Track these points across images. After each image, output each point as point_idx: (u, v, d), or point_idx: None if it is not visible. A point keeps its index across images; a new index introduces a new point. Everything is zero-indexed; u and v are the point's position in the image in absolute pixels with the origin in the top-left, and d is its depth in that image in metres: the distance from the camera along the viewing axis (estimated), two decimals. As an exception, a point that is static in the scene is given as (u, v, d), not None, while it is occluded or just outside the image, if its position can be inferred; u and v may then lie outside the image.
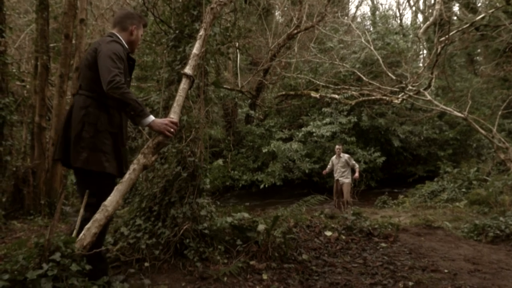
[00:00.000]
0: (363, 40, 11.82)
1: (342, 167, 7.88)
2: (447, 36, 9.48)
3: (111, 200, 1.83)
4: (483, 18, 9.41)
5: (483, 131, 8.31)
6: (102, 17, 11.84)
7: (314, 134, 12.29)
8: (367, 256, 3.15)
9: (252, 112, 13.76)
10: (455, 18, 17.83)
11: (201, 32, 2.74)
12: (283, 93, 14.45)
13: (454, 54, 18.89)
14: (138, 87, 10.05)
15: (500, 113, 12.35)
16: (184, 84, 2.41)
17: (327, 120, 12.47)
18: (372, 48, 11.04)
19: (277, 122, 13.63)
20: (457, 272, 2.78)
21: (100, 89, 2.16)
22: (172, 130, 2.16)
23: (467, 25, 9.32)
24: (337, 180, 7.94)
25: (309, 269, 2.87)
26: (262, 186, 11.86)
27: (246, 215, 3.57)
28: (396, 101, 11.22)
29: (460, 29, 9.48)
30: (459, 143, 13.96)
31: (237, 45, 10.66)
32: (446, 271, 2.80)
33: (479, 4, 16.67)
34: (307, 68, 14.58)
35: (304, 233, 3.81)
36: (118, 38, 2.42)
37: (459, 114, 9.13)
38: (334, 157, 8.09)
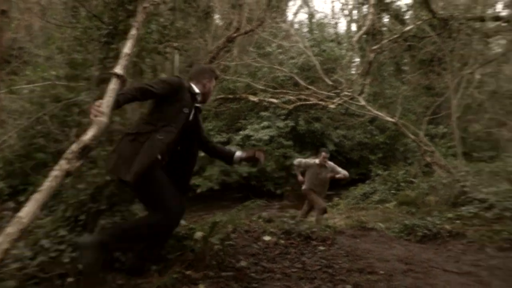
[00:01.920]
0: (301, 45, 12.07)
1: (324, 179, 6.68)
2: (378, 45, 9.98)
3: (27, 211, 1.62)
4: (410, 29, 9.99)
5: (411, 136, 8.81)
6: (29, 12, 10.98)
7: (252, 137, 12.32)
8: (305, 260, 3.14)
9: (190, 115, 13.51)
10: (385, 28, 18.84)
11: (133, 31, 2.57)
12: (222, 96, 14.35)
13: (384, 63, 19.95)
14: (68, 87, 9.41)
15: (425, 119, 13.20)
16: (113, 84, 2.23)
17: (265, 124, 12.56)
18: (310, 53, 11.30)
19: (216, 126, 13.50)
20: (392, 273, 2.85)
21: None
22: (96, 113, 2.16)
23: (396, 35, 9.85)
24: (313, 190, 6.65)
25: (248, 276, 2.79)
26: (199, 190, 11.65)
27: (182, 222, 3.42)
28: (331, 106, 11.58)
29: (390, 39, 9.99)
30: (388, 147, 14.71)
31: (175, 45, 10.38)
32: (382, 272, 2.86)
33: (407, 16, 17.77)
34: (246, 72, 14.63)
35: (242, 239, 3.72)
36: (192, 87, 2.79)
37: (390, 119, 9.60)
38: (313, 164, 6.67)
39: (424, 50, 16.05)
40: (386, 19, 19.41)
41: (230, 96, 14.25)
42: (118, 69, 2.32)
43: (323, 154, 6.68)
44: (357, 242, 3.77)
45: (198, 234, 3.11)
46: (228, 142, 12.80)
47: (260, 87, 13.18)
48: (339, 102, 11.06)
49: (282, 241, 3.56)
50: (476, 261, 3.45)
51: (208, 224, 3.48)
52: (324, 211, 6.63)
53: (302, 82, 12.13)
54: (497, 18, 8.22)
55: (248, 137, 12.41)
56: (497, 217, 4.50)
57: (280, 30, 16.10)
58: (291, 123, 12.96)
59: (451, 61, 14.94)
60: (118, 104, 2.26)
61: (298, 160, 7.24)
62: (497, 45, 15.41)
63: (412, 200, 7.45)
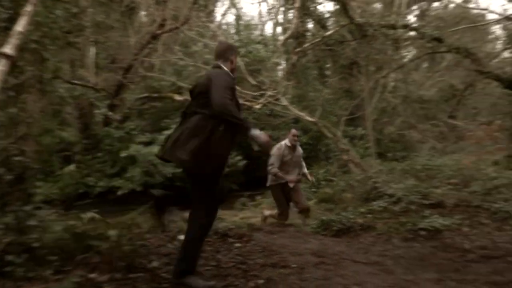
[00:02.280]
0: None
1: (296, 163, 5.76)
2: (301, 49, 10.28)
3: None
4: (331, 34, 10.43)
5: (329, 135, 9.18)
6: None
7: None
8: (220, 258, 3.09)
9: (110, 113, 12.86)
10: (310, 33, 19.48)
11: (29, 8, 2.34)
12: (146, 95, 13.88)
13: (308, 66, 20.65)
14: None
15: (343, 120, 13.85)
16: (1, 66, 2.00)
17: (191, 124, 12.30)
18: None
19: (139, 125, 12.99)
20: (304, 266, 2.90)
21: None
22: None
23: (318, 39, 10.22)
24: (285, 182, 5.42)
25: (159, 276, 2.67)
26: (119, 192, 11.13)
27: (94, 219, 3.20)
28: (257, 106, 11.70)
29: (312, 42, 10.34)
30: (312, 147, 15.21)
31: (91, 38, 9.83)
32: (294, 266, 2.90)
33: (330, 22, 18.56)
34: (171, 71, 14.28)
35: (158, 239, 3.58)
36: (225, 69, 2.88)
37: (311, 119, 9.94)
38: (284, 148, 5.70)
39: (344, 55, 16.89)
40: (310, 24, 20.13)
41: (155, 95, 13.82)
42: (8, 49, 2.08)
43: (293, 131, 5.67)
44: (274, 238, 3.81)
45: (108, 234, 2.93)
46: (151, 143, 12.37)
47: (186, 85, 12.95)
48: (264, 102, 11.21)
49: (198, 240, 3.48)
50: (383, 252, 3.65)
51: (120, 225, 3.30)
52: (307, 209, 5.36)
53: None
54: (406, 26, 8.88)
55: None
56: (404, 210, 4.80)
57: (207, 30, 15.94)
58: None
59: (366, 65, 15.86)
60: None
61: (272, 160, 5.69)
62: (408, 53, 16.65)
63: (331, 197, 7.75)
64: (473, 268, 3.18)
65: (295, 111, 11.14)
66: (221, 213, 7.90)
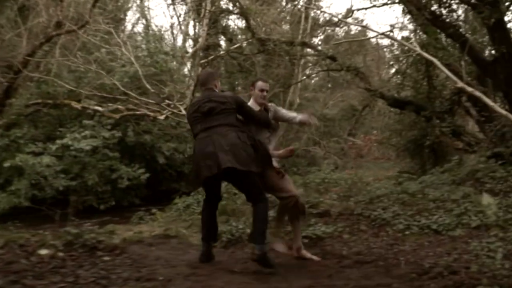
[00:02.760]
0: (128, 54, 11.58)
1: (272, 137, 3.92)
2: (205, 60, 10.22)
3: None
4: (236, 48, 10.56)
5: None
6: None
7: (72, 147, 11.13)
8: (81, 273, 2.78)
9: (-8, 119, 11.54)
10: (220, 48, 19.53)
11: None
12: (39, 101, 12.73)
13: (222, 83, 20.77)
14: None
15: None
16: None
17: (87, 133, 11.49)
18: (135, 63, 10.89)
19: (27, 133, 11.81)
20: (172, 278, 2.72)
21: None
22: None
23: (223, 52, 10.26)
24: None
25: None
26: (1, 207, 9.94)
27: None
28: (160, 117, 11.35)
29: (218, 55, 10.35)
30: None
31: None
32: (161, 278, 2.70)
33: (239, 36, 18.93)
34: (70, 77, 13.32)
35: (12, 254, 3.15)
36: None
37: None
38: None
39: (253, 73, 17.26)
40: (222, 40, 20.33)
41: (50, 101, 12.74)
42: None
43: (259, 84, 3.82)
44: (151, 250, 3.58)
45: None
46: (42, 153, 11.28)
47: (86, 93, 12.16)
48: (168, 114, 10.91)
49: (61, 254, 3.12)
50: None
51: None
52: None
53: (131, 93, 11.63)
54: (303, 43, 9.30)
55: (67, 147, 11.16)
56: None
57: (112, 37, 15.24)
58: (118, 134, 12.16)
59: (273, 84, 16.22)
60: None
61: None
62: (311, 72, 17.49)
63: (231, 209, 7.66)
64: (345, 274, 3.26)
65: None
66: (115, 227, 7.37)
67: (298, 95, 20.31)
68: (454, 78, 4.65)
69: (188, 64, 14.61)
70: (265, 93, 3.88)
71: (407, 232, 4.13)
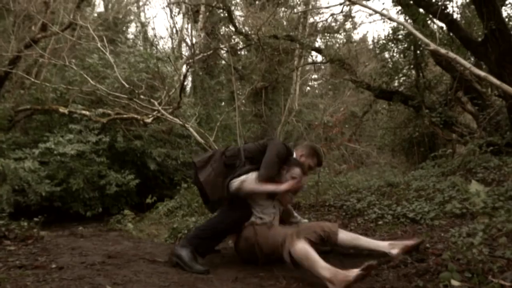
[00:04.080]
0: (111, 60, 11.31)
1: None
2: (192, 60, 9.88)
3: None
4: (239, 60, 10.24)
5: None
6: None
7: (55, 152, 10.81)
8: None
9: (-24, 124, 11.32)
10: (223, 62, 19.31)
11: None
12: (28, 107, 12.52)
13: (218, 88, 20.54)
14: None
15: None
16: None
17: (72, 136, 11.18)
18: (115, 69, 10.63)
19: (11, 138, 11.55)
20: (70, 266, 2.28)
21: None
22: None
23: (210, 51, 9.93)
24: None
25: None
26: (-22, 213, 9.56)
27: None
28: (147, 120, 11.01)
29: (204, 54, 10.02)
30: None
31: None
32: (54, 266, 2.26)
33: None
34: (61, 82, 13.11)
35: None
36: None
37: (200, 140, 9.51)
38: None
39: (252, 80, 16.98)
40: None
41: (38, 107, 12.53)
42: None
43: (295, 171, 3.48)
44: (76, 240, 3.16)
45: None
46: (26, 158, 10.96)
47: (76, 99, 11.94)
48: (155, 115, 10.55)
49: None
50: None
51: None
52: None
53: (123, 98, 11.35)
54: (288, 36, 8.93)
55: (51, 152, 10.83)
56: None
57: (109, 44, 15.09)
58: (105, 139, 11.84)
59: (272, 89, 15.86)
60: None
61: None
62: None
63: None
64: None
65: (191, 129, 10.64)
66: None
67: (297, 102, 19.90)
68: (426, 41, 4.14)
69: (183, 69, 14.32)
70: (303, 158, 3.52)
71: (380, 222, 3.64)
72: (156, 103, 10.27)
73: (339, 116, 14.28)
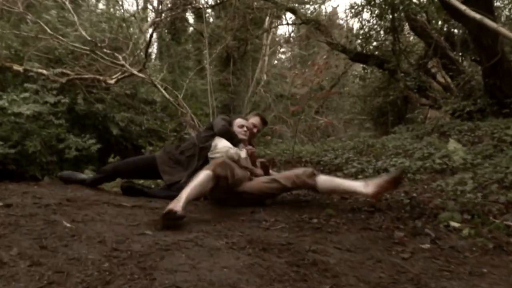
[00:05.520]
0: (76, 19, 10.59)
1: None
2: (158, 18, 9.37)
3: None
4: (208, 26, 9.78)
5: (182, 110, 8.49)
6: None
7: (9, 111, 10.10)
8: None
9: None
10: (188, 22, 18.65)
11: None
12: (-24, 63, 11.57)
13: (186, 56, 19.94)
14: None
15: (217, 112, 13.28)
16: None
17: (30, 96, 10.48)
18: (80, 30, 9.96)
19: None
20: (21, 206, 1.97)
21: None
22: None
23: (176, 8, 9.43)
24: None
25: None
26: None
27: None
28: (110, 81, 10.44)
29: (168, 8, 9.50)
30: (179, 134, 14.35)
31: None
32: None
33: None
34: (15, 41, 12.20)
35: None
36: None
37: (168, 97, 9.16)
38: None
39: (220, 48, 16.53)
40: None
41: (-12, 63, 11.61)
42: None
43: (237, 121, 4.03)
44: (32, 187, 2.84)
45: None
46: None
47: (31, 56, 11.13)
48: (121, 75, 10.01)
49: None
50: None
51: None
52: None
53: (84, 57, 10.67)
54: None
55: (3, 111, 10.11)
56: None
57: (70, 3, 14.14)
58: (64, 100, 11.18)
59: (241, 57, 15.51)
60: None
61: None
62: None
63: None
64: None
65: (159, 86, 10.18)
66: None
67: (265, 72, 19.64)
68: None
69: (150, 30, 13.65)
70: (245, 129, 3.70)
71: (360, 176, 3.53)
72: (120, 57, 9.69)
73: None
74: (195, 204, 2.85)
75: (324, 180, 2.79)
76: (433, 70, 7.42)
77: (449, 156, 3.53)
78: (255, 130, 3.81)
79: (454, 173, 3.27)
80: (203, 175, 2.58)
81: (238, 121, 3.79)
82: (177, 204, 2.27)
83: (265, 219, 2.46)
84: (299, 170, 2.89)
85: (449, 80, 6.83)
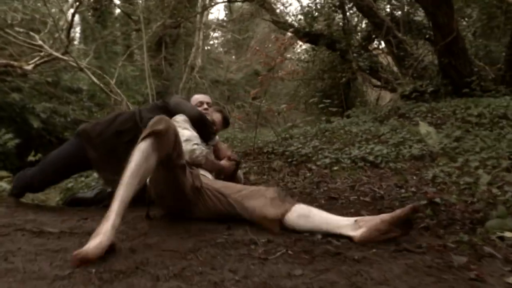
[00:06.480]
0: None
1: None
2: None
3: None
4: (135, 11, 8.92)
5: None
6: None
7: None
8: None
9: None
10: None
11: None
12: None
13: (114, 40, 18.61)
14: None
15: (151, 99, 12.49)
16: None
17: None
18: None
19: None
20: None
21: None
22: None
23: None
24: None
25: None
26: None
27: None
28: (27, 67, 9.23)
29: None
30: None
31: None
32: None
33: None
34: None
35: None
36: None
37: (96, 81, 8.30)
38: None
39: (152, 33, 15.55)
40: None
41: None
42: None
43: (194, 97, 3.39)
44: None
45: None
46: None
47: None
48: (36, 62, 8.85)
49: None
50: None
51: None
52: None
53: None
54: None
55: None
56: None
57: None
58: (-28, 89, 9.74)
59: (173, 42, 14.61)
60: None
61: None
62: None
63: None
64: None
65: (86, 71, 9.18)
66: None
67: (200, 58, 18.96)
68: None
69: (71, 10, 12.35)
70: (205, 106, 3.04)
71: (335, 168, 3.20)
72: (37, 37, 8.54)
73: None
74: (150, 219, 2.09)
75: (298, 216, 1.86)
76: (383, 50, 7.43)
77: (423, 141, 3.35)
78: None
79: (434, 158, 3.08)
80: (139, 149, 1.76)
81: (196, 97, 3.12)
82: (97, 240, 1.47)
83: (253, 240, 1.73)
84: (269, 193, 1.98)
85: (400, 60, 6.77)
